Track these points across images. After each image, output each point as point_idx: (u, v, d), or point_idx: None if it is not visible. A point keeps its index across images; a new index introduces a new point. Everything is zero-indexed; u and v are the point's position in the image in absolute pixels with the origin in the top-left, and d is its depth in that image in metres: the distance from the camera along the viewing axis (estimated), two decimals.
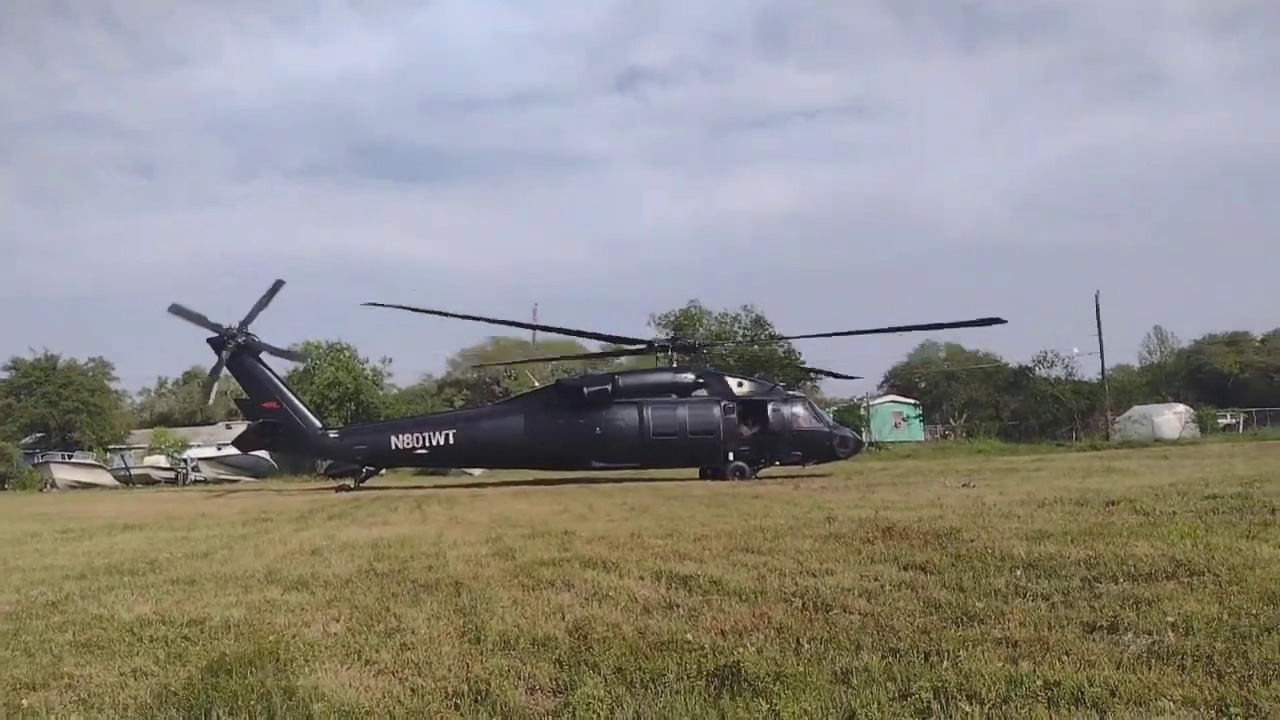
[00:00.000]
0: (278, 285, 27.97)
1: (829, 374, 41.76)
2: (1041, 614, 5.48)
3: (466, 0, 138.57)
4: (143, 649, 5.64)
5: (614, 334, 30.13)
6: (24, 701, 4.64)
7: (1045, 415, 53.12)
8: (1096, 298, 52.14)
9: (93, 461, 46.36)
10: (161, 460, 47.13)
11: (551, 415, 26.63)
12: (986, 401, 58.98)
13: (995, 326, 27.41)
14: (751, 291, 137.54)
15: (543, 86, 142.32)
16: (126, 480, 43.96)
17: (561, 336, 48.74)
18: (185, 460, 45.02)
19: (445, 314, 29.13)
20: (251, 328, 27.69)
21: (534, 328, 30.35)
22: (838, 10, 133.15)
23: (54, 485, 40.79)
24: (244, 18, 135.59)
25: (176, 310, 27.22)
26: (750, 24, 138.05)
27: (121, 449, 51.99)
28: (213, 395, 35.64)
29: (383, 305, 27.80)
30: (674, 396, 26.55)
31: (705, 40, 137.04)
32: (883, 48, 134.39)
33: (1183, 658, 4.50)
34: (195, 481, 42.08)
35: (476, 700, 4.41)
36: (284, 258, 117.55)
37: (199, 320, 27.41)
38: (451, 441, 26.85)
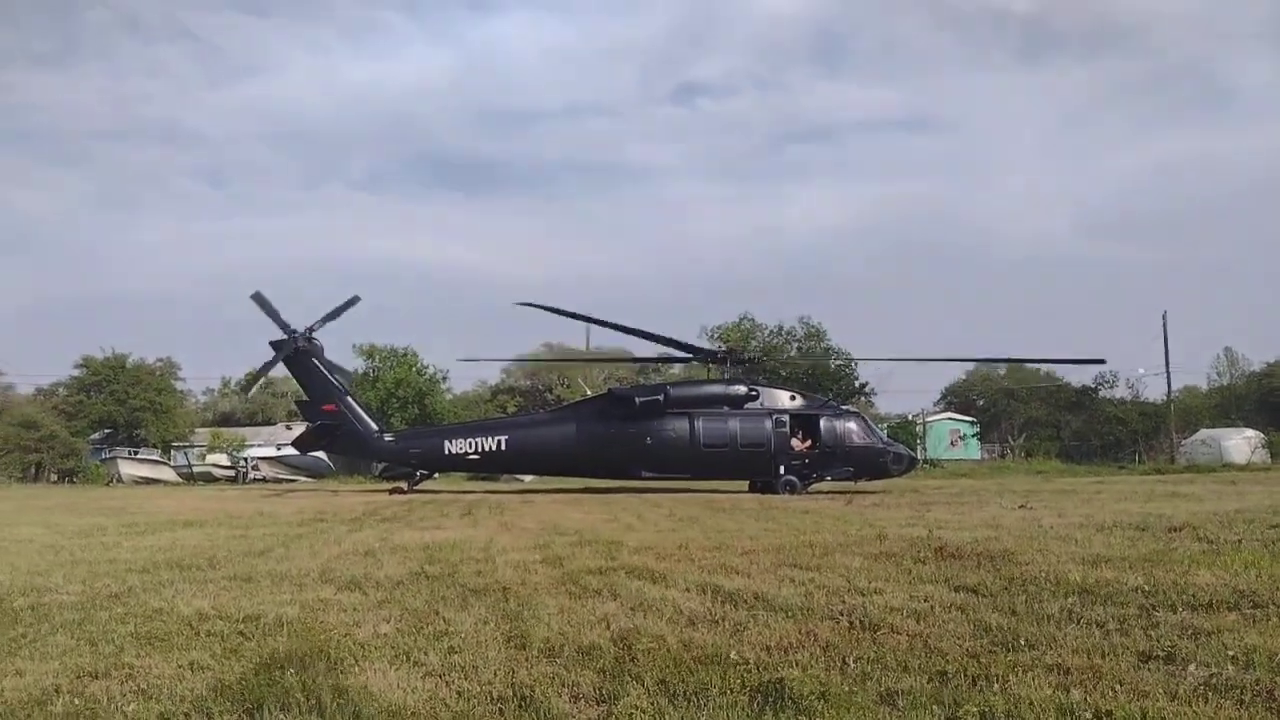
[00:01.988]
0: (353, 300, 28.65)
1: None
2: (1095, 641, 5.37)
3: (523, 14, 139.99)
4: (200, 643, 5.80)
5: (674, 339, 30.06)
6: (87, 689, 4.81)
7: (1108, 436, 51.83)
8: (1164, 318, 51.00)
9: (157, 458, 47.69)
10: (223, 459, 48.33)
11: (603, 424, 26.73)
12: (1047, 421, 57.52)
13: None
14: (807, 304, 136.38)
15: (597, 99, 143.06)
16: (189, 477, 45.20)
17: (613, 343, 48.89)
18: (245, 459, 46.11)
19: (592, 320, 29.24)
20: (319, 334, 28.32)
21: (657, 340, 29.11)
22: (896, 23, 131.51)
23: (120, 480, 42.12)
24: (310, 31, 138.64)
25: (258, 299, 27.98)
26: (806, 37, 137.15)
27: (185, 447, 53.35)
28: (254, 390, 35.98)
29: (535, 306, 27.76)
30: (726, 408, 26.48)
31: (760, 53, 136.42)
32: (943, 62, 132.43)
33: (1242, 691, 4.37)
34: (255, 480, 43.06)
35: (521, 706, 4.46)
36: (347, 264, 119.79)
37: (274, 315, 28.08)
38: (504, 448, 27.08)
